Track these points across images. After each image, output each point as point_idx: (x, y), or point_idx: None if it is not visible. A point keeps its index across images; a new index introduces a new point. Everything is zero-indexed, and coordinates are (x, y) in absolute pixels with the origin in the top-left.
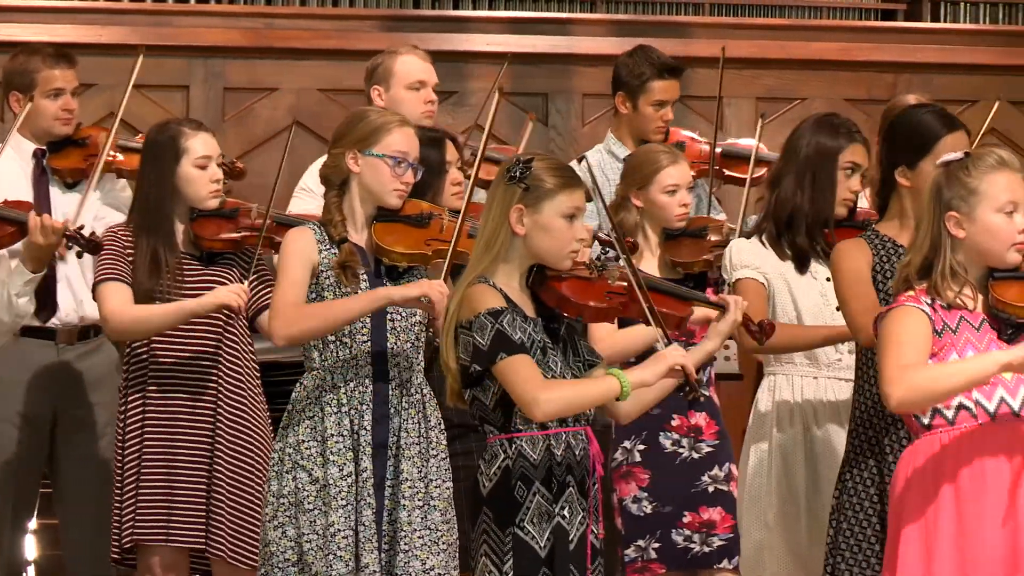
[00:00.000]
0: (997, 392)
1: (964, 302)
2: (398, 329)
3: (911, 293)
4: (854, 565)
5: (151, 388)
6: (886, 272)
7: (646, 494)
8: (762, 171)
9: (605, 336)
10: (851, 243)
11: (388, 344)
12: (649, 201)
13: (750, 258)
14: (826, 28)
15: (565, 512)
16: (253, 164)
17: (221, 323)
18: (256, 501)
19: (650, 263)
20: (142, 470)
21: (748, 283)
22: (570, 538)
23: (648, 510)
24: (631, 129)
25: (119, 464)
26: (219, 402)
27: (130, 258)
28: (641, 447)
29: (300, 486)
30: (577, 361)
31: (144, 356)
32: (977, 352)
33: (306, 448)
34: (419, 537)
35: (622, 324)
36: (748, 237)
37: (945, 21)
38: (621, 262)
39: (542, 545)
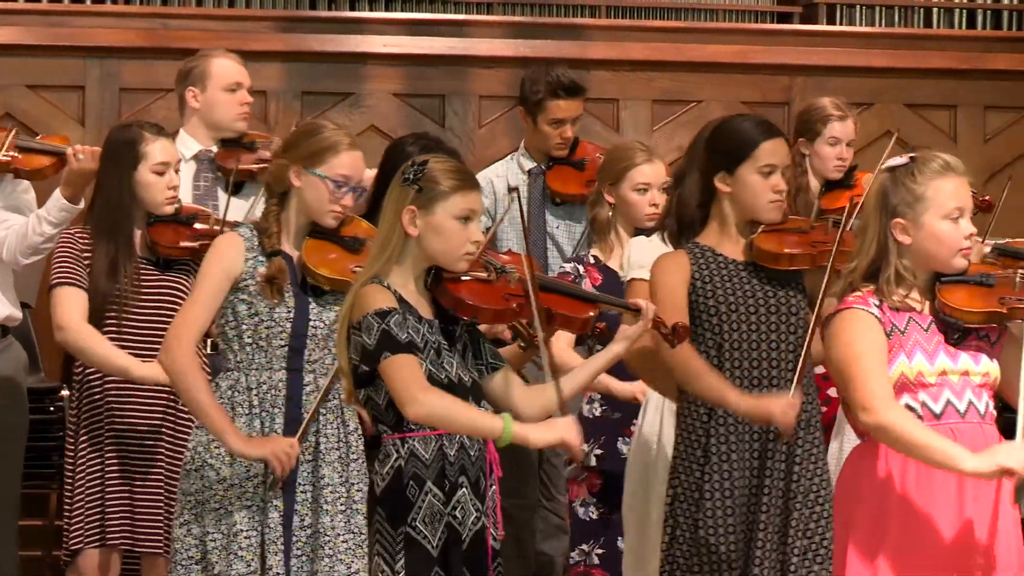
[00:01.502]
0: (943, 394)
1: (911, 305)
2: (317, 337)
3: (859, 294)
4: (687, 571)
5: (109, 402)
6: (706, 284)
7: (595, 499)
8: None
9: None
10: (671, 257)
11: (306, 351)
12: (620, 198)
13: (646, 258)
14: (722, 31)
15: (457, 512)
16: None
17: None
18: (168, 499)
19: (619, 260)
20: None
21: (640, 284)
22: (463, 538)
23: (594, 515)
24: (534, 144)
25: (70, 471)
26: (169, 410)
27: (87, 262)
28: (598, 451)
29: (207, 484)
30: (479, 364)
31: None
32: (925, 353)
33: (215, 447)
34: (343, 541)
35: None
36: (650, 234)
37: (840, 24)
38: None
39: (434, 544)
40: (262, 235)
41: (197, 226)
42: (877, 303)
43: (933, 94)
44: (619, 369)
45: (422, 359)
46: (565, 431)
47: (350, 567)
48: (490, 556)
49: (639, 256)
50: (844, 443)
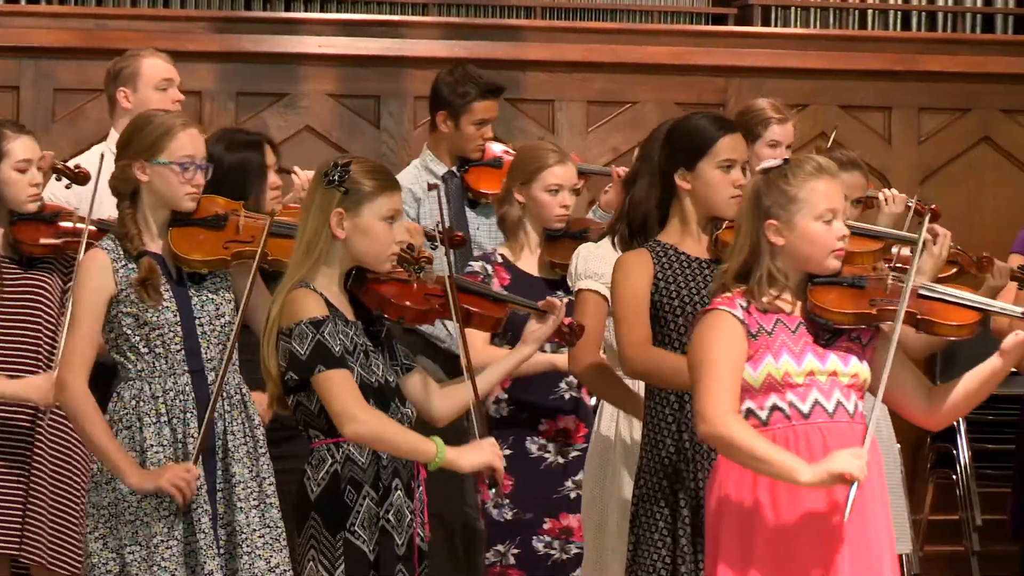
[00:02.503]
0: (811, 394)
1: (781, 306)
2: (207, 334)
3: (727, 295)
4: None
5: None
6: (670, 284)
7: (508, 500)
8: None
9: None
10: (633, 256)
11: (202, 350)
12: (531, 198)
13: (594, 267)
14: (657, 32)
15: (390, 516)
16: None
17: (51, 331)
18: (77, 509)
19: (529, 261)
20: None
21: (588, 296)
22: (399, 542)
23: (508, 516)
24: (450, 146)
25: None
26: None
27: None
28: (507, 452)
29: (119, 497)
30: (395, 365)
31: None
32: (792, 354)
33: None
34: (260, 537)
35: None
36: (600, 239)
37: (776, 26)
38: (437, 264)
39: (371, 549)
40: (124, 241)
41: (61, 224)
42: (744, 305)
43: (868, 96)
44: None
45: (354, 367)
46: (492, 455)
47: (269, 562)
48: (417, 557)
49: (587, 265)
50: None
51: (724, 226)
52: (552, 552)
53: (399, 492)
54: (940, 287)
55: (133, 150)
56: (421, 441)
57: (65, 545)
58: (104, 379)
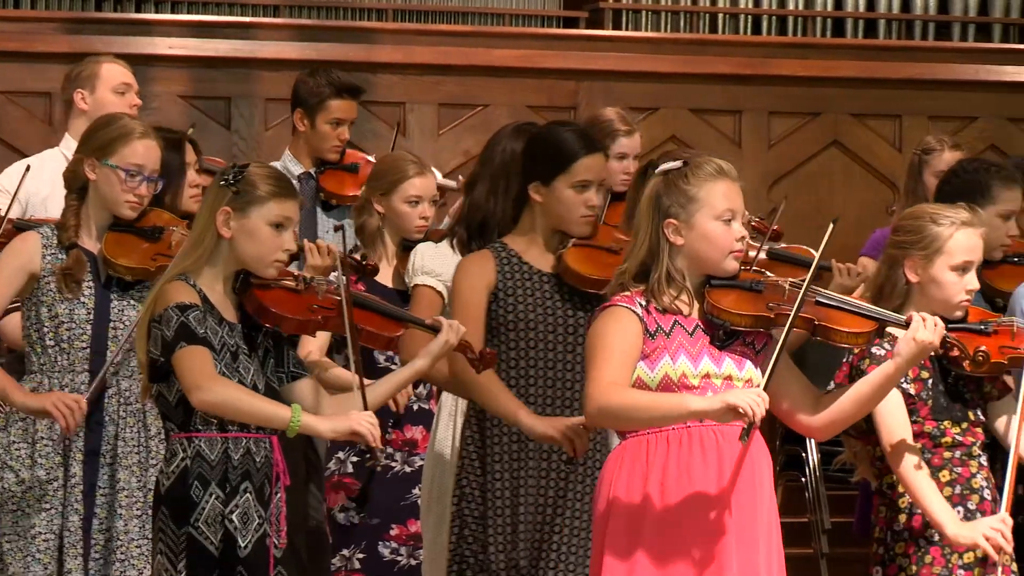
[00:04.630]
0: (706, 395)
1: (679, 307)
2: (119, 338)
3: (627, 294)
4: (475, 564)
5: None
6: (508, 294)
7: (354, 504)
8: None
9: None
10: (475, 258)
11: (108, 351)
12: (391, 209)
13: (432, 264)
14: (508, 35)
15: (234, 517)
16: None
17: None
18: None
19: (386, 272)
20: None
21: (424, 291)
22: (243, 544)
23: (355, 520)
24: (308, 147)
25: None
26: None
27: None
28: (354, 459)
29: (6, 487)
30: (280, 372)
31: None
32: (689, 356)
33: (16, 449)
34: (136, 546)
35: None
36: (439, 241)
37: (627, 29)
38: (332, 277)
39: (216, 546)
40: (60, 231)
41: None
42: (643, 303)
43: (718, 99)
44: None
45: (215, 362)
46: (358, 423)
47: (141, 572)
48: (271, 564)
49: (424, 263)
50: None
51: (571, 243)
52: (399, 558)
53: (248, 495)
54: (838, 295)
55: (89, 147)
56: (276, 406)
57: None
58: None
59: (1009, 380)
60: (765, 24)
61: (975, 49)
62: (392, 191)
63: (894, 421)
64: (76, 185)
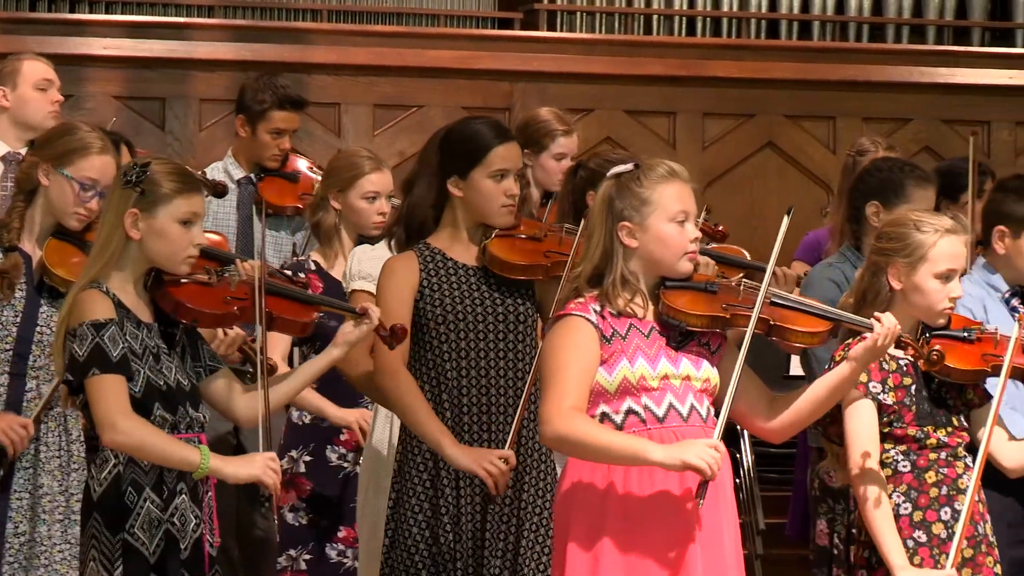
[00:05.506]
0: (666, 398)
1: (634, 310)
2: (43, 343)
3: (580, 300)
4: (403, 568)
5: None
6: (435, 291)
7: (304, 505)
8: None
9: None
10: (399, 260)
11: (31, 357)
12: (347, 205)
13: (368, 268)
14: (443, 36)
15: (175, 519)
16: None
17: None
18: None
19: (342, 266)
20: None
21: (361, 296)
22: (183, 545)
23: (304, 520)
24: (248, 153)
25: None
26: None
27: None
28: (307, 458)
29: None
30: (197, 367)
31: None
32: (647, 358)
33: None
34: (59, 551)
35: None
36: (376, 242)
37: (561, 30)
38: (246, 265)
39: (151, 551)
40: (2, 230)
41: None
42: (598, 309)
43: (652, 101)
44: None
45: (140, 369)
46: (262, 468)
47: None
48: (207, 563)
49: (360, 267)
50: None
51: (494, 235)
52: (345, 560)
53: (184, 496)
54: (793, 296)
55: (46, 152)
56: (185, 449)
57: None
58: None
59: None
60: (700, 25)
61: (909, 51)
62: (349, 187)
63: (858, 439)
64: (27, 187)
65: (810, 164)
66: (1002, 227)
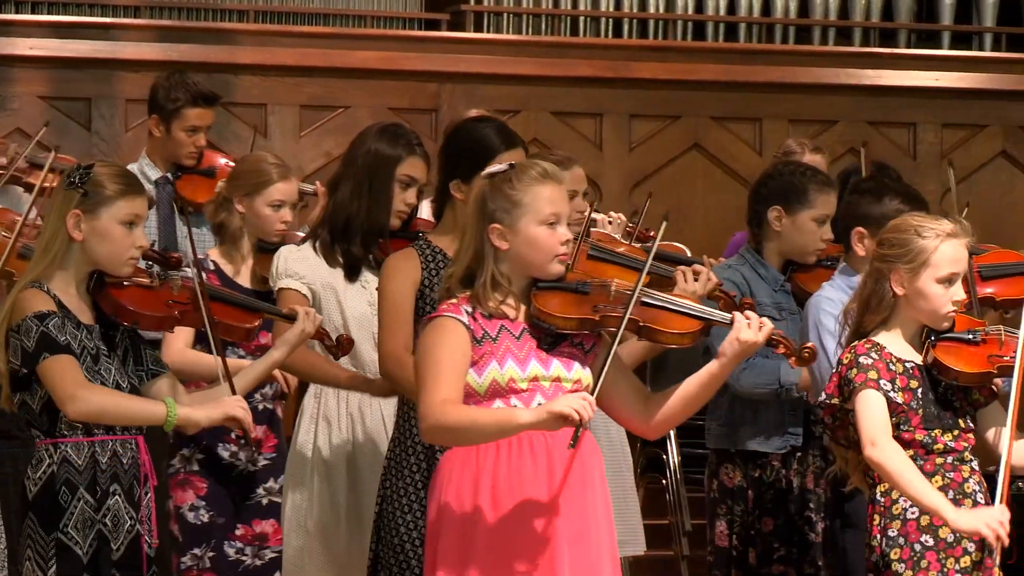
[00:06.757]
0: (535, 400)
1: (506, 312)
2: None
3: (453, 301)
4: (394, 565)
5: None
6: (433, 286)
7: (204, 503)
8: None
9: None
10: (401, 256)
11: None
12: (252, 210)
13: (295, 267)
14: (369, 37)
15: (107, 520)
16: None
17: None
18: None
19: (243, 274)
20: None
21: (289, 294)
22: (115, 546)
23: (205, 519)
24: (163, 152)
25: None
26: None
27: None
28: (200, 456)
29: None
30: (140, 370)
31: None
32: (516, 360)
33: None
34: None
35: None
36: (301, 243)
37: (488, 31)
38: (189, 272)
39: (85, 551)
40: None
41: None
42: (469, 310)
43: (579, 102)
44: None
45: (80, 363)
46: (233, 407)
47: None
48: (145, 564)
49: (287, 266)
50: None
51: None
52: (244, 558)
53: (118, 497)
54: (663, 295)
55: None
56: (150, 404)
57: None
58: None
59: (998, 383)
60: (626, 27)
61: (835, 53)
62: (255, 193)
63: (873, 423)
64: None
65: (736, 166)
66: (861, 228)
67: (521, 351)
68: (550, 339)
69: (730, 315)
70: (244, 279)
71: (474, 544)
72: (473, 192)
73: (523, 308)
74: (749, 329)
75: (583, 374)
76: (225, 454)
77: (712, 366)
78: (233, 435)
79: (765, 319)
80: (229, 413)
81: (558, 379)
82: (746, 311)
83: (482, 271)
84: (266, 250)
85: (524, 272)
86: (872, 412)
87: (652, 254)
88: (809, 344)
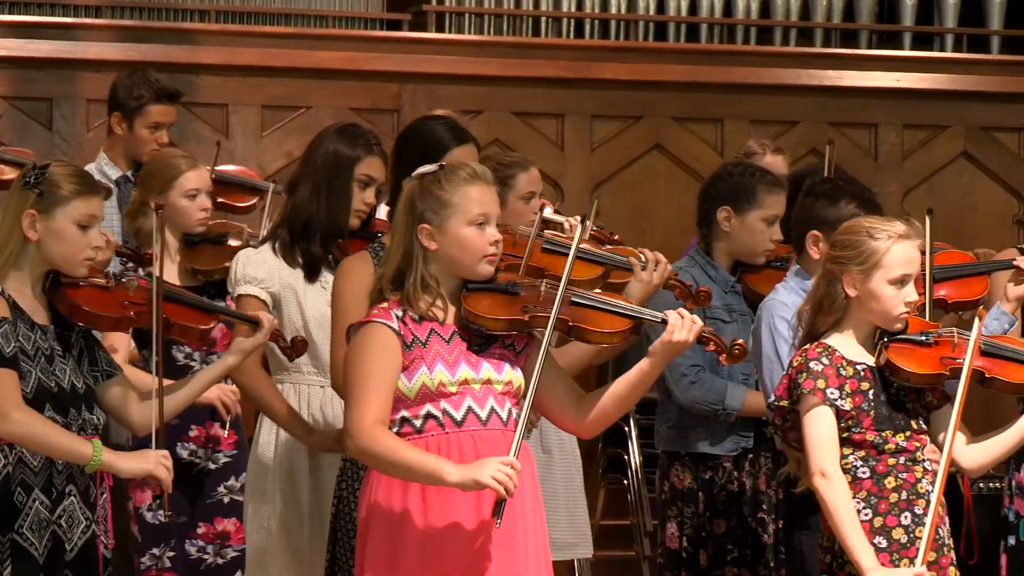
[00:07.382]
0: (465, 402)
1: (435, 314)
2: None
3: (384, 305)
4: (351, 566)
5: None
6: None
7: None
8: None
9: None
10: (356, 260)
11: None
12: (170, 206)
13: (254, 271)
14: (331, 37)
15: (63, 521)
16: None
17: None
18: None
19: (170, 270)
20: None
21: (249, 300)
22: (69, 547)
23: (163, 519)
24: (125, 150)
25: None
26: None
27: None
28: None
29: None
30: (94, 371)
31: None
32: (446, 364)
33: None
34: None
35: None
36: (261, 243)
37: (450, 32)
38: (142, 272)
39: (40, 552)
40: None
41: None
42: (400, 315)
43: (541, 102)
44: None
45: (30, 369)
46: (155, 464)
47: None
48: (101, 565)
49: (246, 271)
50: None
51: None
52: (206, 557)
53: (73, 498)
54: (593, 294)
55: None
56: (78, 442)
57: None
58: None
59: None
60: (588, 27)
61: (797, 53)
62: (168, 188)
63: (821, 447)
64: None
65: (698, 166)
66: (815, 232)
67: (451, 355)
68: (480, 341)
69: (661, 314)
70: (172, 277)
71: (402, 546)
72: (403, 192)
73: (453, 310)
74: (681, 329)
75: (514, 375)
76: (184, 453)
77: (643, 364)
78: (151, 493)
79: (695, 316)
80: (151, 471)
81: (489, 381)
82: (680, 309)
83: (411, 272)
84: (193, 243)
85: (453, 273)
86: (820, 435)
87: (573, 253)
88: (739, 341)
